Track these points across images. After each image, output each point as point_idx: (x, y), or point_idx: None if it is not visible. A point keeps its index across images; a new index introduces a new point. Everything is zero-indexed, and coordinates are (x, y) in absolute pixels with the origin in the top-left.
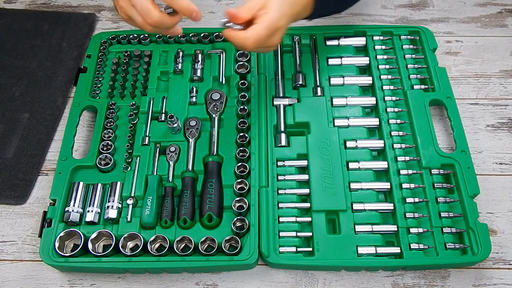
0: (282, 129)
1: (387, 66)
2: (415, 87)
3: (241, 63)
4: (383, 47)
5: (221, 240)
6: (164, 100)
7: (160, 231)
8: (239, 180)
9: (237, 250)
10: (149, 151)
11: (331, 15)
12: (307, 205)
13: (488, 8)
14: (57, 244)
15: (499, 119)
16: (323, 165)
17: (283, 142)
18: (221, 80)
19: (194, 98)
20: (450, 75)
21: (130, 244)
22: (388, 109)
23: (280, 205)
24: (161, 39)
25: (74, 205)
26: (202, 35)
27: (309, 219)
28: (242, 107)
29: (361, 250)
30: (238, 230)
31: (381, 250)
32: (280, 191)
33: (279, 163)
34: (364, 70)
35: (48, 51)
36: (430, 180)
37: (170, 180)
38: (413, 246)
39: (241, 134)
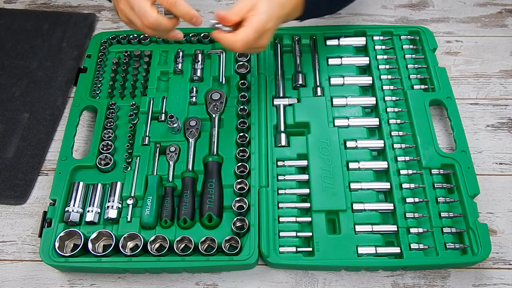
0: (282, 129)
1: (387, 66)
2: (415, 87)
3: (241, 63)
4: (383, 47)
5: (221, 240)
6: (164, 100)
7: (160, 231)
8: (239, 180)
9: (237, 250)
10: (149, 151)
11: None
12: (307, 205)
13: (488, 8)
14: (57, 244)
15: (499, 119)
16: (323, 165)
17: (283, 142)
18: (221, 80)
19: (194, 98)
20: (450, 75)
21: (130, 244)
22: (388, 109)
23: (280, 205)
24: (161, 39)
25: (74, 205)
26: (202, 35)
27: (309, 219)
28: (242, 107)
29: (361, 250)
30: (238, 230)
31: (381, 250)
32: (280, 191)
33: (279, 163)
34: (364, 70)
35: (48, 51)
36: (430, 180)
37: (170, 180)
38: (413, 246)
39: (241, 134)
